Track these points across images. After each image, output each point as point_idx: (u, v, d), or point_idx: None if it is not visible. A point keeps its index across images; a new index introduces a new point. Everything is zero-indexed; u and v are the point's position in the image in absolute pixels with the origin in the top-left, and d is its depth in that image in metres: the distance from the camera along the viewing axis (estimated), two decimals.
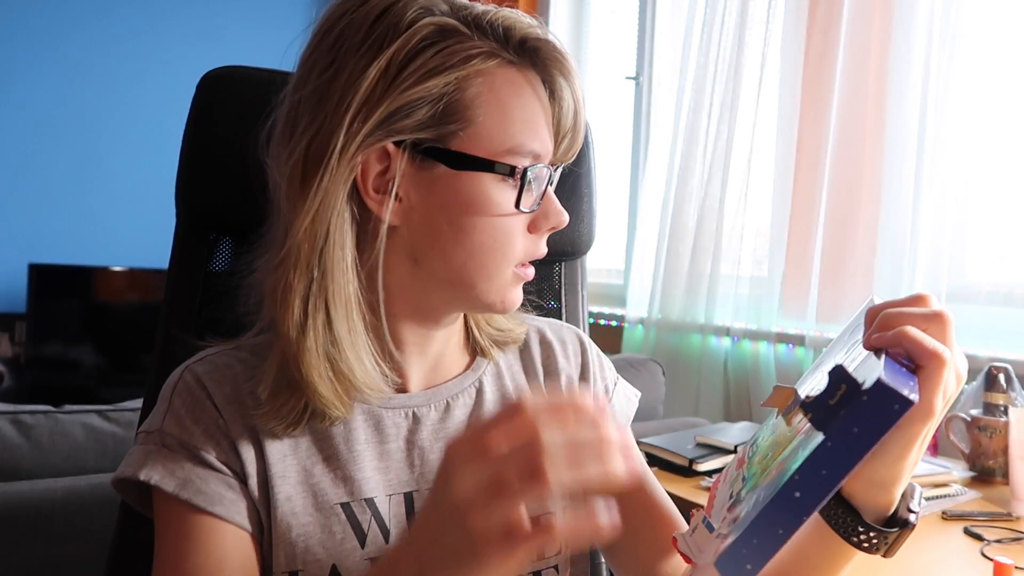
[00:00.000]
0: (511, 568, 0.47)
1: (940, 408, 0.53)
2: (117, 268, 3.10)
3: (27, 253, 3.02)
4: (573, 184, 0.97)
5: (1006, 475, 1.33)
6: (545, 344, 0.82)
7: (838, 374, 0.49)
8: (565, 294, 1.01)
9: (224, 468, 0.66)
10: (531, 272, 0.70)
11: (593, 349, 0.85)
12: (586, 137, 0.97)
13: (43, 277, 2.96)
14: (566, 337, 0.84)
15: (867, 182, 1.96)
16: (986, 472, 1.43)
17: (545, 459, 0.45)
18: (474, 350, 0.79)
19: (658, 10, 2.67)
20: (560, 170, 0.73)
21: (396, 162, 0.64)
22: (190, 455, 0.65)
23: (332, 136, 0.62)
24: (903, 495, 0.60)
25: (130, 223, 3.21)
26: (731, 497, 0.59)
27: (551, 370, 0.81)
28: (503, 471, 0.45)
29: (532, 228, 0.69)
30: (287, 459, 0.68)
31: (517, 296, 0.71)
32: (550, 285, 1.01)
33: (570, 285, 1.01)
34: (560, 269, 1.01)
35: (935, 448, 1.61)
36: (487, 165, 0.64)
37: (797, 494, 0.47)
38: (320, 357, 0.64)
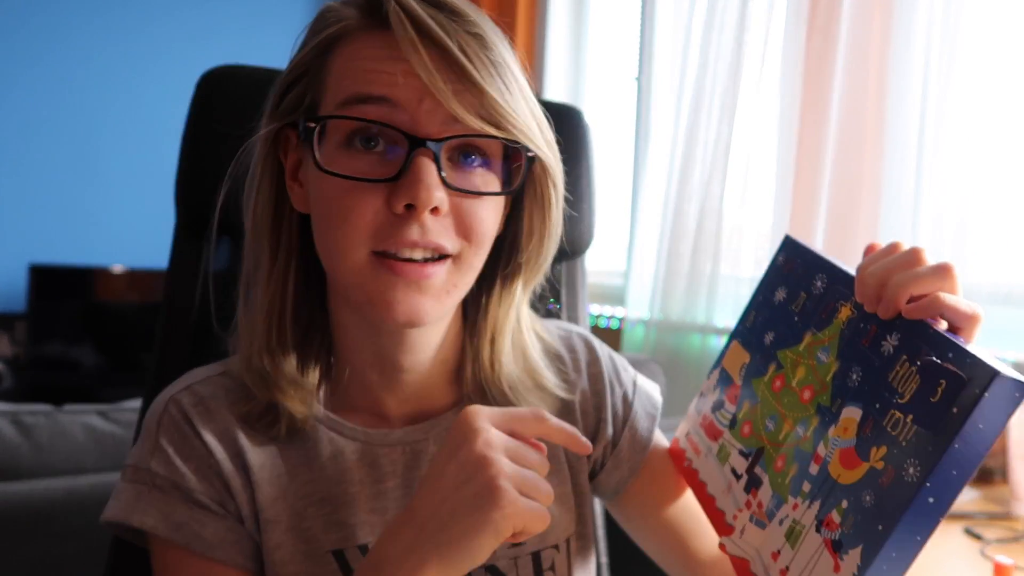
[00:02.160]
0: (500, 541, 0.51)
1: None
2: (117, 268, 3.10)
3: (27, 253, 3.01)
4: (573, 184, 0.97)
5: (1006, 475, 1.33)
6: (554, 358, 0.76)
7: (933, 369, 0.48)
8: (565, 294, 1.01)
9: (220, 508, 0.63)
10: (413, 270, 0.58)
11: (604, 353, 0.79)
12: (586, 137, 0.97)
13: (43, 277, 2.96)
14: (576, 347, 0.79)
15: (867, 182, 1.96)
16: (986, 472, 1.43)
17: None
18: (468, 390, 0.71)
19: (658, 10, 2.67)
20: (472, 141, 0.60)
21: (293, 146, 0.64)
22: (183, 496, 0.62)
23: (262, 129, 0.64)
24: None
25: (130, 223, 3.21)
26: (739, 477, 0.60)
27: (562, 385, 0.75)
28: (523, 455, 0.53)
29: (394, 204, 0.57)
30: (277, 503, 0.64)
31: (400, 297, 0.59)
32: (550, 285, 1.01)
33: (570, 285, 1.01)
34: (560, 269, 1.01)
35: None
36: (294, 123, 0.61)
37: (931, 499, 0.46)
38: (254, 357, 0.65)
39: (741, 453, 0.60)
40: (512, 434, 0.55)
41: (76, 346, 3.03)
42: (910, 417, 0.49)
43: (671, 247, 2.38)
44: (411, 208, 0.57)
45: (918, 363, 0.49)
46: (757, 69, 2.19)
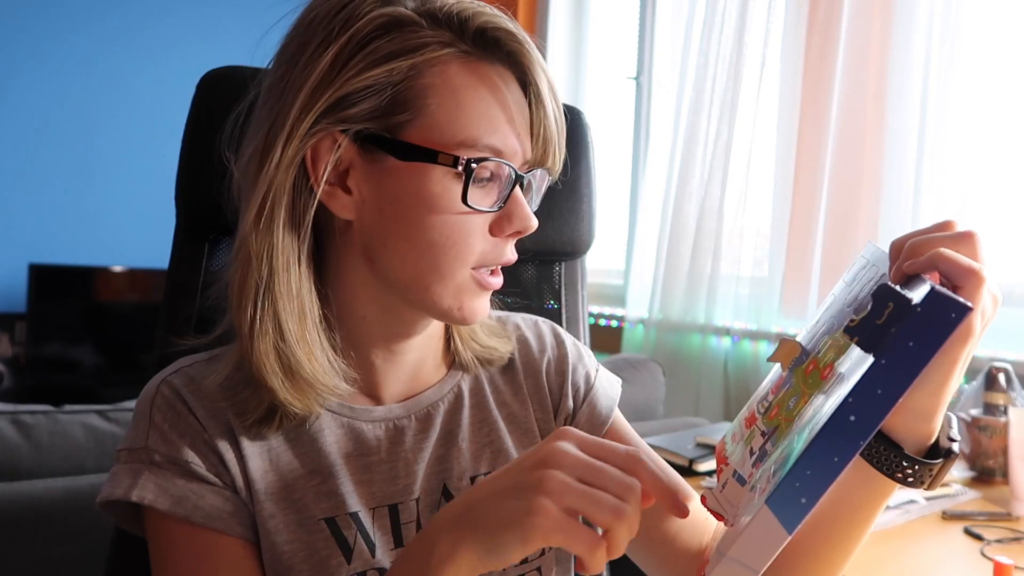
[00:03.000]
0: (533, 547, 0.50)
1: (980, 329, 0.52)
2: (117, 268, 3.10)
3: (27, 253, 3.02)
4: (573, 184, 0.97)
5: (1006, 475, 1.33)
6: (521, 340, 0.81)
7: (884, 292, 0.47)
8: (565, 294, 1.01)
9: (217, 480, 0.64)
10: (497, 281, 0.67)
11: (569, 339, 0.83)
12: (586, 137, 0.97)
13: (43, 277, 2.96)
14: (542, 330, 0.83)
15: (867, 182, 1.96)
16: (986, 472, 1.43)
17: (631, 498, 0.50)
18: (452, 362, 0.77)
19: (658, 10, 2.67)
20: (540, 175, 0.70)
21: (348, 153, 0.63)
22: (181, 470, 0.64)
23: (284, 125, 0.62)
24: (941, 425, 0.58)
25: (130, 223, 3.21)
26: (753, 453, 0.57)
27: (529, 366, 0.80)
28: (600, 485, 0.50)
29: (495, 230, 0.65)
30: (268, 475, 0.66)
31: (480, 306, 0.67)
32: (550, 285, 1.01)
33: (570, 285, 1.01)
34: (560, 269, 1.01)
35: None
36: (431, 155, 0.61)
37: (852, 418, 0.44)
38: (270, 354, 0.63)
39: (762, 434, 0.58)
40: (599, 459, 0.53)
41: (76, 346, 3.03)
42: (855, 339, 0.48)
43: (671, 247, 2.38)
44: (514, 233, 0.66)
45: (876, 290, 0.48)
46: (757, 69, 2.19)
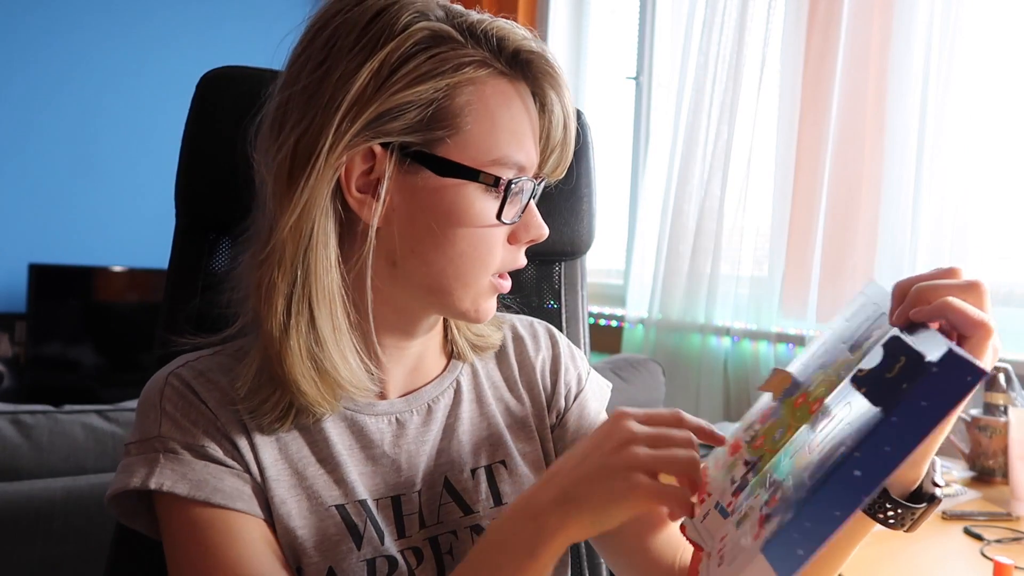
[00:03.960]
0: (637, 512, 0.55)
1: None
2: (117, 268, 3.10)
3: (27, 253, 3.02)
4: (573, 184, 0.97)
5: (1006, 475, 1.33)
6: (517, 339, 0.84)
7: (896, 346, 0.47)
8: (565, 294, 1.01)
9: (234, 464, 0.66)
10: (507, 284, 0.71)
11: (563, 341, 0.86)
12: (586, 137, 0.97)
13: (43, 277, 2.96)
14: (537, 331, 0.85)
15: (867, 182, 1.96)
16: (986, 472, 1.43)
17: (692, 446, 0.57)
18: (451, 352, 0.80)
19: (658, 10, 2.67)
20: (544, 184, 0.74)
21: (383, 164, 0.64)
22: (198, 454, 0.65)
23: (321, 134, 0.62)
24: (927, 469, 0.60)
25: (130, 223, 3.21)
26: (734, 482, 0.58)
27: (524, 364, 0.82)
28: (667, 443, 0.56)
29: (512, 239, 0.70)
30: (279, 463, 0.67)
31: (491, 306, 0.71)
32: (550, 285, 1.01)
33: (570, 285, 1.01)
34: (560, 269, 1.01)
35: None
36: (472, 174, 0.65)
37: (857, 472, 0.43)
38: (303, 356, 0.64)
39: (745, 463, 0.58)
40: (657, 425, 0.59)
41: (76, 346, 3.03)
42: (863, 390, 0.47)
43: (671, 247, 2.38)
44: (528, 241, 0.71)
45: (887, 342, 0.48)
46: (757, 69, 2.18)
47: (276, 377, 0.65)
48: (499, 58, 0.66)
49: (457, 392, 0.77)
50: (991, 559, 0.99)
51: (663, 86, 2.57)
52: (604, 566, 0.96)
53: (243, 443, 0.66)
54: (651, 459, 0.55)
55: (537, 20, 2.93)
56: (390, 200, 0.65)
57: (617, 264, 2.77)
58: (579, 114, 0.98)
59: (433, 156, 0.64)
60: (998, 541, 1.11)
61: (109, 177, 3.22)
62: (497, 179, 0.65)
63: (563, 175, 0.76)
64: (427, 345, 0.76)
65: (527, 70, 0.68)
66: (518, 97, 0.67)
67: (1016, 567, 0.91)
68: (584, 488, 0.56)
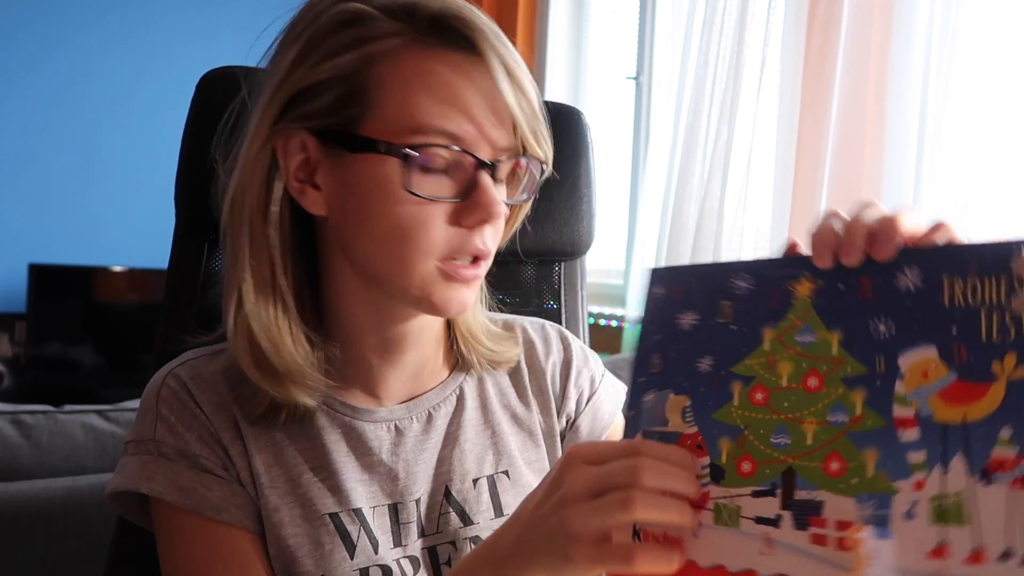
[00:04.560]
0: (595, 572, 0.50)
1: None
2: (117, 268, 3.09)
3: (27, 253, 3.01)
4: (573, 184, 0.97)
5: None
6: (528, 343, 0.81)
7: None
8: (565, 294, 1.01)
9: (224, 473, 0.65)
10: (471, 272, 0.65)
11: (576, 343, 0.84)
12: (586, 137, 0.97)
13: (43, 277, 2.96)
14: (549, 334, 0.83)
15: (867, 182, 1.96)
16: None
17: (644, 477, 0.48)
18: (455, 362, 0.77)
19: (658, 10, 2.67)
20: (527, 164, 0.68)
21: (312, 150, 0.64)
22: (189, 463, 0.65)
23: (254, 125, 0.64)
24: None
25: (130, 223, 3.21)
26: (771, 521, 0.49)
27: (534, 368, 0.80)
28: (608, 488, 0.49)
29: (459, 220, 0.63)
30: (273, 469, 0.67)
31: (456, 297, 0.65)
32: (549, 285, 1.01)
33: (570, 285, 1.01)
34: (560, 269, 1.01)
35: None
36: (385, 148, 0.61)
37: None
38: (246, 346, 0.65)
39: (757, 494, 0.49)
40: (606, 461, 0.51)
41: (76, 346, 3.03)
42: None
43: (671, 247, 2.37)
44: (480, 223, 0.64)
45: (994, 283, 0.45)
46: (757, 69, 2.18)
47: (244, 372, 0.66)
48: (415, 27, 0.62)
49: (460, 399, 0.75)
50: None
51: (663, 86, 2.57)
52: None
53: (236, 449, 0.66)
54: (589, 519, 0.49)
55: (537, 20, 2.92)
56: (326, 187, 0.65)
57: (617, 264, 2.77)
58: (579, 114, 0.98)
59: (349, 134, 0.63)
60: None
61: (109, 177, 3.22)
62: (391, 146, 0.61)
63: (541, 153, 0.67)
64: (423, 347, 0.73)
65: (455, 37, 0.62)
66: (445, 65, 0.62)
67: None
68: (536, 541, 0.52)
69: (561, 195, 0.96)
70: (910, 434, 0.46)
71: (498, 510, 0.73)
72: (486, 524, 0.72)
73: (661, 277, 0.58)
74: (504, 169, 0.66)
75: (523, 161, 0.67)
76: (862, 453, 0.47)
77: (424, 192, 0.62)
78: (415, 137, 0.61)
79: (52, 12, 3.11)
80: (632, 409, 0.56)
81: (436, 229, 0.63)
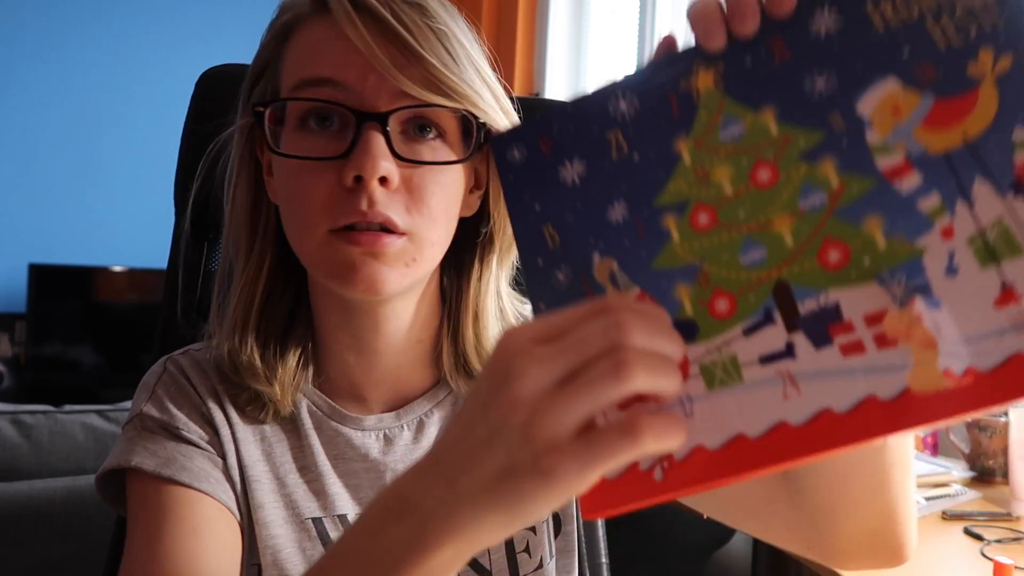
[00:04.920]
0: (574, 490, 0.36)
1: None
2: (117, 268, 3.10)
3: (27, 253, 3.01)
4: None
5: (1006, 475, 1.33)
6: None
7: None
8: None
9: (209, 448, 0.64)
10: (367, 238, 0.58)
11: None
12: None
13: (43, 277, 2.96)
14: None
15: None
16: (986, 472, 1.43)
17: (633, 334, 0.36)
18: (449, 364, 0.71)
19: (658, 10, 2.67)
20: (401, 116, 0.59)
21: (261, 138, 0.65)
22: (172, 435, 0.63)
23: (239, 127, 0.67)
24: None
25: (130, 223, 3.21)
26: (777, 355, 0.38)
27: None
28: (583, 361, 0.36)
29: (342, 180, 0.57)
30: (260, 464, 0.65)
31: (358, 266, 0.58)
32: None
33: None
34: None
35: (935, 448, 1.61)
36: (252, 114, 0.62)
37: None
38: (226, 353, 0.65)
39: (750, 330, 0.39)
40: (563, 333, 0.37)
41: (76, 346, 3.03)
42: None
43: None
44: (360, 181, 0.57)
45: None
46: None
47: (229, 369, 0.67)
48: (317, 2, 0.62)
49: (455, 405, 0.72)
50: (991, 559, 0.99)
51: None
52: (605, 567, 0.96)
53: (226, 432, 0.65)
54: (567, 412, 0.35)
55: (537, 20, 2.93)
56: (271, 173, 0.66)
57: None
58: None
59: (260, 112, 0.62)
60: (998, 541, 1.11)
61: (109, 177, 3.22)
62: (253, 109, 0.62)
63: (458, 105, 0.59)
64: (406, 354, 0.69)
65: (336, 3, 0.59)
66: (328, 28, 0.59)
67: (1016, 567, 0.91)
68: (477, 479, 0.37)
69: None
70: (911, 181, 0.37)
71: None
72: None
73: (512, 139, 0.46)
74: (397, 120, 0.59)
75: (431, 113, 0.60)
76: (862, 226, 0.38)
77: (299, 151, 0.59)
78: (295, 92, 0.60)
79: (52, 12, 3.11)
80: (544, 303, 0.44)
81: (318, 193, 0.58)
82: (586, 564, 0.96)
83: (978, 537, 1.12)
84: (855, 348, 0.36)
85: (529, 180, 0.46)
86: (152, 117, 3.21)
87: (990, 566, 0.97)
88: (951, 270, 0.35)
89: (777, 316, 0.38)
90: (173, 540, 0.58)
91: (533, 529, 0.70)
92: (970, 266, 0.35)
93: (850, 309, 0.37)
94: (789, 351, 0.38)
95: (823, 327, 0.37)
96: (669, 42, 0.43)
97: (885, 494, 0.54)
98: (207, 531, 0.60)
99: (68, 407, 1.33)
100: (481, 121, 0.61)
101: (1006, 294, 0.34)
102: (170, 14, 3.31)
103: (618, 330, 0.36)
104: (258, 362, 0.65)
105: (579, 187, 0.44)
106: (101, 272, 3.09)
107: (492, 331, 0.71)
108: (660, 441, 0.35)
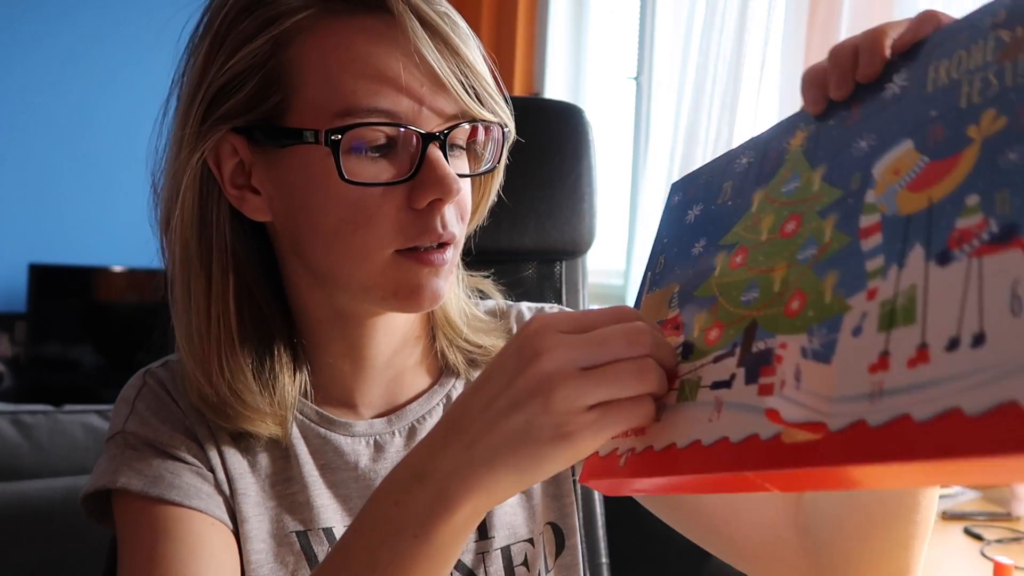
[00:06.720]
0: (587, 452, 0.41)
1: None
2: (117, 268, 3.09)
3: (27, 253, 3.01)
4: (574, 182, 0.97)
5: None
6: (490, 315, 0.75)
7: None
8: (565, 294, 1.01)
9: (196, 462, 0.62)
10: (437, 257, 0.58)
11: None
12: (587, 136, 0.97)
13: (43, 277, 2.96)
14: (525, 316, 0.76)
15: None
16: None
17: (654, 345, 0.42)
18: (441, 367, 0.71)
19: (658, 10, 2.67)
20: (488, 130, 0.61)
21: (244, 151, 0.59)
22: (157, 452, 0.61)
23: (177, 136, 0.60)
24: None
25: (130, 223, 3.20)
26: (725, 383, 0.42)
27: None
28: (607, 355, 0.41)
29: (414, 202, 0.57)
30: (245, 477, 0.64)
31: (424, 284, 0.58)
32: (551, 284, 1.01)
33: (570, 284, 1.01)
34: (560, 268, 1.01)
35: None
36: (298, 135, 0.55)
37: None
38: (196, 386, 0.62)
39: (719, 359, 0.43)
40: (589, 327, 0.43)
41: (76, 346, 3.03)
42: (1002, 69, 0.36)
43: None
44: (435, 202, 0.57)
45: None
46: (757, 69, 2.19)
47: (211, 413, 0.63)
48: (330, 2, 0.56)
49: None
50: (991, 559, 0.99)
51: (663, 86, 2.57)
52: (606, 567, 0.96)
53: (211, 448, 0.63)
54: (580, 390, 0.40)
55: (537, 20, 2.93)
56: (264, 189, 0.60)
57: (617, 264, 2.77)
58: (580, 113, 0.98)
59: (272, 127, 0.57)
60: (998, 541, 1.11)
61: (109, 177, 3.22)
62: (318, 134, 0.55)
63: (486, 114, 0.59)
64: (402, 360, 0.68)
65: (367, 2, 0.56)
66: (361, 34, 0.55)
67: (1016, 567, 0.91)
68: (496, 441, 0.41)
69: (563, 193, 0.96)
70: (873, 241, 0.37)
71: (483, 532, 0.67)
72: (470, 546, 0.66)
73: (679, 186, 0.57)
74: (457, 138, 0.59)
75: (479, 127, 0.60)
76: (822, 281, 0.39)
77: (364, 178, 0.55)
78: (346, 120, 0.55)
79: (53, 11, 3.11)
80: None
81: (386, 217, 0.56)
82: (586, 564, 0.96)
83: (978, 537, 1.12)
84: (768, 390, 0.39)
85: (671, 218, 0.56)
86: (152, 116, 3.21)
87: (990, 566, 0.98)
88: (857, 331, 0.36)
89: (738, 351, 0.42)
90: (170, 563, 0.57)
91: (531, 541, 0.69)
92: (870, 328, 0.35)
93: (788, 354, 0.39)
94: (729, 381, 0.41)
95: (757, 366, 0.40)
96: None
97: (903, 553, 0.55)
98: (204, 550, 0.59)
99: (68, 407, 1.33)
100: (508, 129, 0.62)
101: (881, 361, 0.34)
102: (170, 12, 3.31)
103: (650, 339, 0.42)
104: (250, 404, 0.61)
105: (689, 225, 0.52)
106: (101, 272, 3.08)
107: (459, 306, 0.71)
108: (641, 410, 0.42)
